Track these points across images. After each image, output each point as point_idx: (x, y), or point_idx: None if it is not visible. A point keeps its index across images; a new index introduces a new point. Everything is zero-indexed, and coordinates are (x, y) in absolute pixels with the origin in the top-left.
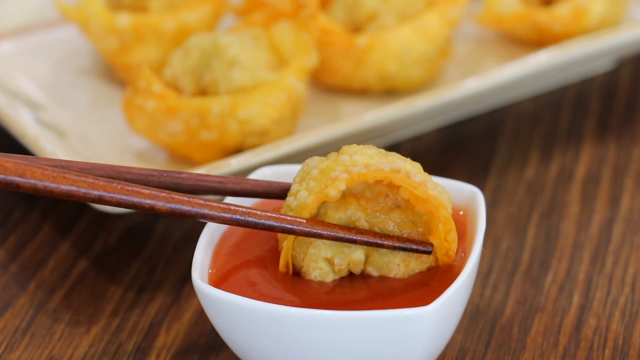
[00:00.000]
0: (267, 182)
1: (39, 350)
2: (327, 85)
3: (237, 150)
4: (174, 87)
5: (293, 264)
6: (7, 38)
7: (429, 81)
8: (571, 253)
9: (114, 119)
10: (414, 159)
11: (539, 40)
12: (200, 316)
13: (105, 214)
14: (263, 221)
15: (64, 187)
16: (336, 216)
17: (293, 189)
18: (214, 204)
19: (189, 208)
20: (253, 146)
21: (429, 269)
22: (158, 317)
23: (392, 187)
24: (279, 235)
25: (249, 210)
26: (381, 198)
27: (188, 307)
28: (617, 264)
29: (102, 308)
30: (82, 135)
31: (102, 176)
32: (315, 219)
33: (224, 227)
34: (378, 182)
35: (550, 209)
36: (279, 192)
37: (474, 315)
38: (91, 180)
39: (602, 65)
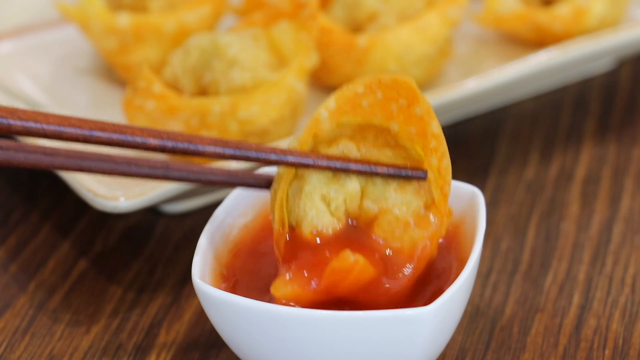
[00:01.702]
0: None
1: (39, 350)
2: (327, 85)
3: None
4: (174, 87)
5: (289, 221)
6: (7, 38)
7: (429, 81)
8: (571, 253)
9: (114, 119)
10: None
11: (539, 40)
12: (201, 316)
13: (105, 213)
14: (255, 153)
15: (54, 127)
16: (329, 151)
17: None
18: (205, 138)
19: (179, 143)
20: None
21: (427, 208)
22: (158, 317)
23: (382, 129)
24: (272, 190)
25: (240, 142)
26: (371, 136)
27: (188, 307)
28: (617, 264)
29: (102, 308)
30: None
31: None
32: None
33: (224, 227)
34: (366, 126)
35: (550, 209)
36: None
37: (474, 315)
38: (80, 118)
39: (602, 66)
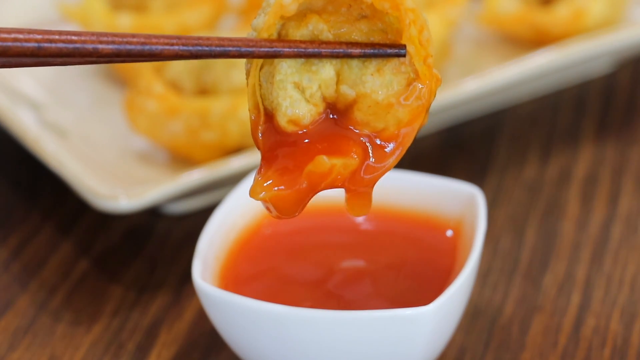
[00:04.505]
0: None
1: (39, 349)
2: None
3: (238, 150)
4: (175, 86)
5: (265, 107)
6: None
7: None
8: (570, 253)
9: (115, 119)
10: (414, 159)
11: (538, 41)
12: (201, 316)
13: (105, 214)
14: (216, 48)
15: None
16: (298, 34)
17: (253, 22)
18: (161, 38)
19: (135, 47)
20: (253, 146)
21: (410, 84)
22: (159, 317)
23: None
24: (245, 71)
25: (200, 38)
26: (344, 9)
27: (189, 306)
28: (616, 264)
29: (103, 308)
30: (84, 135)
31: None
32: (273, 38)
33: (224, 227)
34: None
35: (550, 209)
36: None
37: (474, 315)
38: (27, 31)
39: (602, 68)
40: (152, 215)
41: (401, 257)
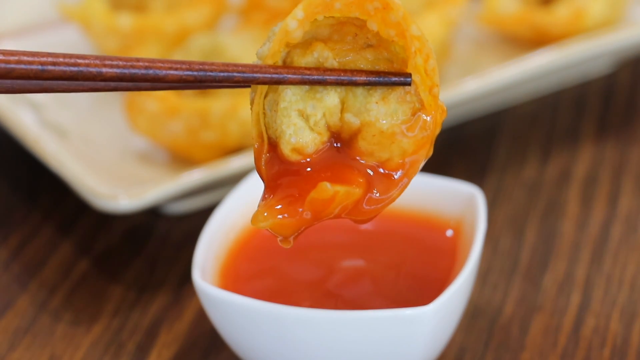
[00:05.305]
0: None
1: (39, 349)
2: None
3: (238, 150)
4: None
5: (268, 135)
6: (7, 38)
7: None
8: (570, 253)
9: (116, 119)
10: None
11: (538, 41)
12: (201, 316)
13: (105, 214)
14: (220, 73)
15: (2, 66)
16: (303, 61)
17: (258, 51)
18: (166, 62)
19: (139, 70)
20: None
21: (415, 113)
22: (159, 317)
23: (362, 26)
24: (250, 99)
25: (203, 64)
26: (350, 37)
27: (189, 306)
28: (616, 264)
29: (103, 308)
30: (84, 135)
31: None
32: (278, 65)
33: (224, 227)
34: (345, 23)
35: (550, 209)
36: None
37: (474, 315)
38: (31, 54)
39: (602, 68)
40: (152, 215)
41: (401, 257)
